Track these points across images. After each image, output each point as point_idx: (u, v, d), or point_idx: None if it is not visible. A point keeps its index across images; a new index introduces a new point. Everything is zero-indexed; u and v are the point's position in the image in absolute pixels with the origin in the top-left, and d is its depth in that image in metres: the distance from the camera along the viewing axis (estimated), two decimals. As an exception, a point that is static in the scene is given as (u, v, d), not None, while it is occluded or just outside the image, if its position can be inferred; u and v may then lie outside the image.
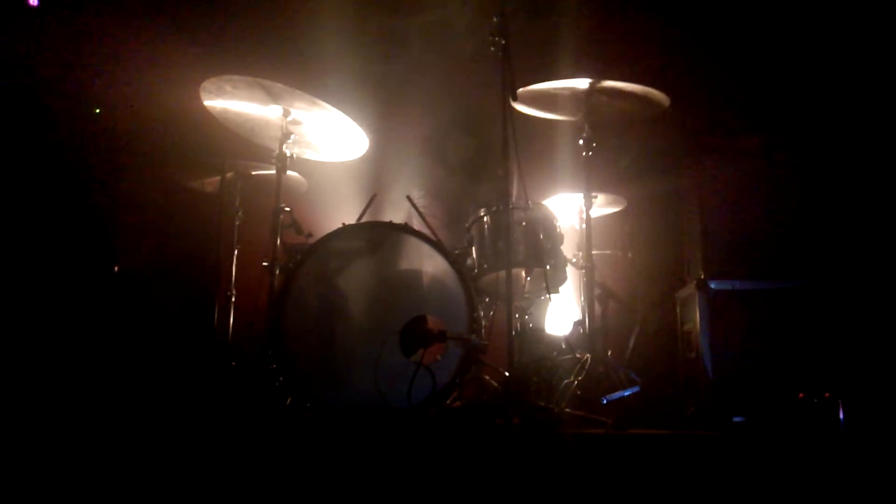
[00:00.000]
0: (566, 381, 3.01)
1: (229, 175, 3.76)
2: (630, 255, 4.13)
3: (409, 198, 3.48)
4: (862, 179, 3.56)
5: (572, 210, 3.84)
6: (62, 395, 3.25)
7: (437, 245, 3.10)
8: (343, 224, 3.15)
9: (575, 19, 4.42)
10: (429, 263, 3.07)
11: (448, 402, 3.09)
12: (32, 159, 3.59)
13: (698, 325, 3.52)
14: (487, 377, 3.40)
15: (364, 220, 3.33)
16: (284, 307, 3.00)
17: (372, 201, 3.39)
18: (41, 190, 3.59)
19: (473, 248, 3.35)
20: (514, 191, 3.10)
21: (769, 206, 3.58)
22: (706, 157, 3.72)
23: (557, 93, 3.44)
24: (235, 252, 3.79)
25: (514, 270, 3.17)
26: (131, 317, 3.68)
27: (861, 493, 2.27)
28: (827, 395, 2.86)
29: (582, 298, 3.53)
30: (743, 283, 3.51)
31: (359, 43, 4.47)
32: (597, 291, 3.61)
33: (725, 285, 3.52)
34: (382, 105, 4.35)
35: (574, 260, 3.59)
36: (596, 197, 3.66)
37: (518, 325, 3.34)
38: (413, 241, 3.09)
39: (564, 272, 3.39)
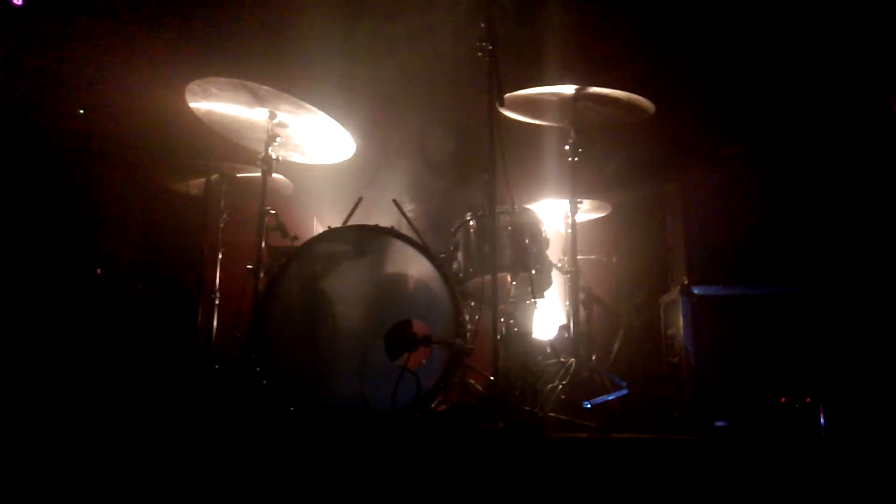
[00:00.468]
0: (551, 386, 3.02)
1: (214, 177, 3.74)
2: (615, 260, 4.15)
3: (395, 201, 3.48)
4: (845, 187, 3.60)
5: (558, 215, 3.86)
6: (44, 398, 3.21)
7: (422, 249, 3.10)
8: (329, 227, 3.14)
9: (561, 26, 4.45)
10: (414, 267, 3.06)
11: (433, 405, 3.09)
12: (14, 160, 3.55)
13: (682, 330, 3.55)
14: (472, 381, 3.41)
15: (350, 223, 3.32)
16: (269, 310, 2.99)
17: (358, 205, 3.38)
18: (23, 191, 3.55)
19: (459, 253, 3.35)
20: (500, 195, 3.11)
21: (753, 213, 3.62)
22: (691, 164, 3.76)
23: (544, 98, 3.45)
24: (220, 255, 3.77)
25: (500, 275, 3.17)
26: (114, 319, 3.65)
27: (842, 497, 2.29)
28: (808, 399, 2.89)
29: (567, 303, 3.55)
30: (726, 288, 3.55)
31: (346, 46, 4.47)
32: (581, 296, 3.63)
33: (709, 291, 3.55)
34: (369, 109, 4.35)
35: (559, 265, 3.60)
36: (581, 202, 3.68)
37: (503, 329, 3.34)
38: (399, 245, 3.09)
39: (550, 277, 3.41)
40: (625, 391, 3.15)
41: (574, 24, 4.46)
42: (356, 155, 3.60)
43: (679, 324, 3.60)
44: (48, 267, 3.58)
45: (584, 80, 3.37)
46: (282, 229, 3.28)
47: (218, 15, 4.34)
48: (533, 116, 3.60)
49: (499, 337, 2.96)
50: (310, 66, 4.26)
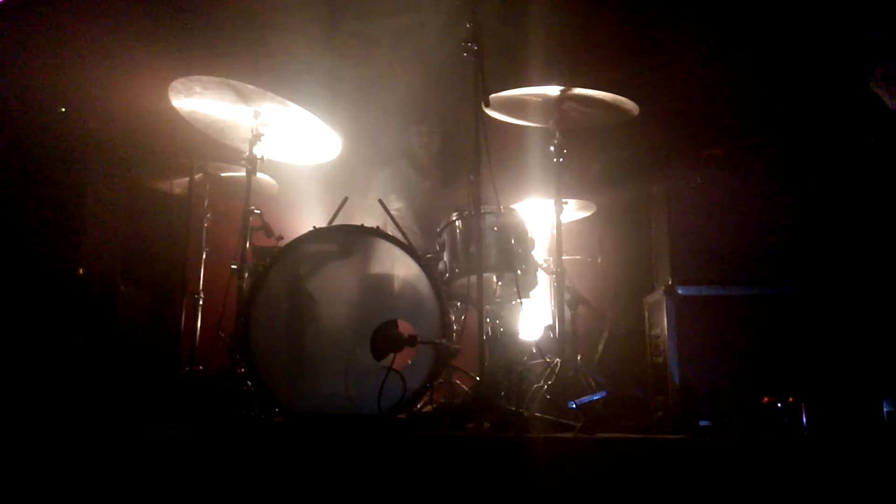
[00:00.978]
0: (536, 386, 3.02)
1: (198, 176, 3.71)
2: (600, 260, 4.16)
3: (381, 201, 3.47)
4: (827, 188, 3.64)
5: (543, 215, 3.87)
6: (23, 399, 3.18)
7: (408, 249, 3.10)
8: (314, 227, 3.12)
9: (547, 27, 4.46)
10: (400, 267, 3.06)
11: (419, 406, 3.09)
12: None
13: (666, 330, 3.58)
14: (458, 381, 3.41)
15: (335, 223, 3.31)
16: (253, 310, 2.97)
17: (343, 205, 3.37)
18: (2, 190, 3.50)
19: (445, 253, 3.35)
20: (486, 196, 3.11)
21: (736, 214, 3.65)
22: (675, 165, 3.79)
23: (529, 99, 3.46)
24: (204, 255, 3.75)
25: (486, 275, 3.18)
26: (95, 320, 3.60)
27: (824, 496, 2.32)
28: (791, 399, 2.91)
29: (552, 303, 3.56)
30: (710, 289, 3.58)
31: (331, 46, 4.45)
32: (567, 296, 3.64)
33: (692, 291, 3.58)
34: (354, 108, 4.34)
35: (545, 265, 3.61)
36: (566, 202, 3.69)
37: (489, 329, 3.35)
38: (385, 245, 3.08)
39: (535, 277, 3.41)
40: (603, 392, 3.16)
41: (559, 25, 4.47)
42: (341, 155, 3.59)
43: (663, 324, 3.62)
44: (27, 268, 3.53)
45: (569, 81, 3.38)
46: (266, 229, 3.26)
47: (202, 12, 4.31)
48: (518, 117, 3.61)
49: (484, 337, 2.97)
50: (295, 66, 4.24)
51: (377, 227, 3.17)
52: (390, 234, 3.16)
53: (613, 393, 3.25)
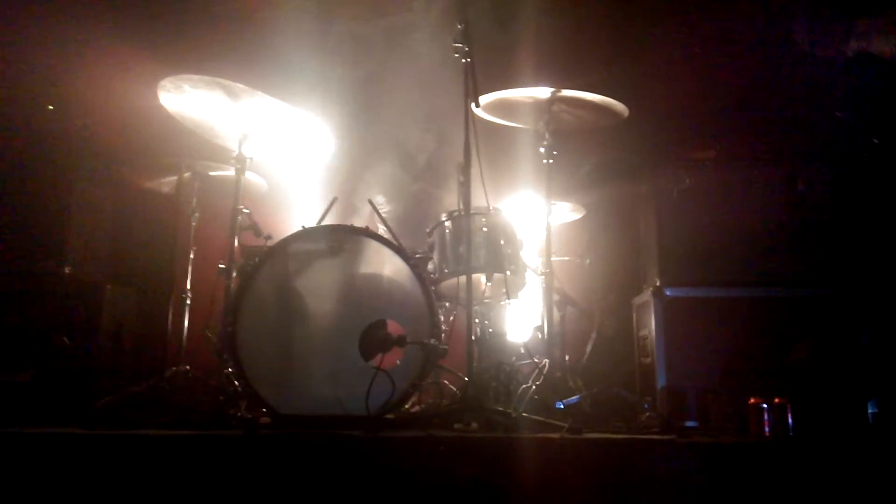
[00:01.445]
0: (524, 387, 3.03)
1: (186, 175, 3.68)
2: (588, 261, 4.17)
3: (370, 201, 3.46)
4: (816, 190, 3.67)
5: (532, 216, 3.87)
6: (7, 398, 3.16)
7: (397, 249, 3.09)
8: (303, 227, 3.12)
9: (537, 29, 4.47)
10: (389, 267, 3.06)
11: (407, 406, 3.08)
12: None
13: (654, 332, 3.59)
14: (447, 382, 3.41)
15: (324, 223, 3.30)
16: (241, 310, 2.95)
17: (332, 204, 3.36)
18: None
19: (434, 253, 3.35)
20: (476, 196, 3.12)
21: (725, 216, 3.67)
22: (664, 167, 3.81)
23: (519, 101, 3.47)
24: (192, 254, 3.72)
25: (474, 275, 3.18)
26: (82, 319, 3.58)
27: (810, 496, 2.34)
28: (777, 400, 2.94)
29: (541, 304, 3.57)
30: (697, 290, 3.60)
31: (322, 46, 4.44)
32: (555, 297, 3.65)
33: (680, 292, 3.60)
34: (344, 109, 4.33)
35: (533, 266, 3.62)
36: (556, 204, 3.70)
37: (478, 330, 3.35)
38: (374, 245, 3.08)
39: (524, 278, 3.42)
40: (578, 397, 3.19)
41: (550, 27, 4.48)
42: (331, 155, 3.58)
43: (651, 325, 3.64)
44: (13, 267, 3.51)
45: (558, 83, 3.39)
46: (255, 228, 3.25)
47: (193, 11, 4.29)
48: (508, 118, 3.62)
49: (473, 338, 2.97)
50: (286, 65, 4.23)
51: (366, 226, 3.17)
52: (379, 234, 3.16)
53: (601, 394, 3.26)
